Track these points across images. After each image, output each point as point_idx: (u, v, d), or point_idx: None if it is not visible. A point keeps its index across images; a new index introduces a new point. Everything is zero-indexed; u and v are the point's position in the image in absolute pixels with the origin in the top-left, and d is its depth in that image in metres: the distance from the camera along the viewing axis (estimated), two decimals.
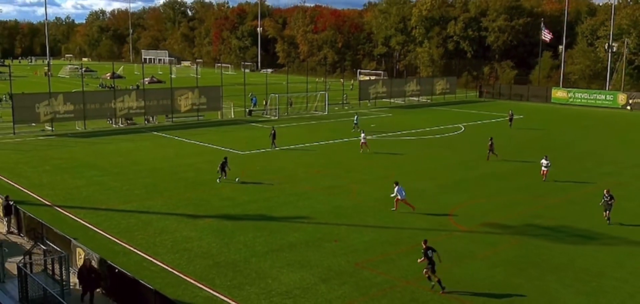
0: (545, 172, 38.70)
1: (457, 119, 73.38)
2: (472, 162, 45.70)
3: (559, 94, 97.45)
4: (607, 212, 29.88)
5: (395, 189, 31.48)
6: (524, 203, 33.75)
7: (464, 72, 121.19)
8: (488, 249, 26.35)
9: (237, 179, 37.29)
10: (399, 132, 60.69)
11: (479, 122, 71.50)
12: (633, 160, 47.42)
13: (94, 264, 20.39)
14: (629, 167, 44.41)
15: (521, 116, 76.65)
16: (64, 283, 20.64)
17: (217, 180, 36.97)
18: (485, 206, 33.26)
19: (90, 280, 19.22)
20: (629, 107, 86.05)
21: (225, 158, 37.93)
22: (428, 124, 67.30)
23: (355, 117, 62.63)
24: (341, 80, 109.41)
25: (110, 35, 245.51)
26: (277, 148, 49.18)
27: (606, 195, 29.93)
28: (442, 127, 65.59)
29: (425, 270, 21.72)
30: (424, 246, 21.80)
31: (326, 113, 76.02)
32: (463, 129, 64.72)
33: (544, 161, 38.91)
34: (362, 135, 49.28)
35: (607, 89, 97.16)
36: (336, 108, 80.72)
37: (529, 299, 21.19)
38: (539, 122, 72.12)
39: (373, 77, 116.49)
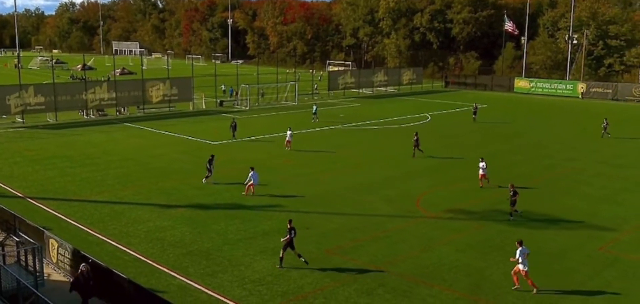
0: (483, 175, 34.75)
1: (423, 108, 73.98)
2: (438, 150, 46.16)
3: (521, 83, 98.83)
4: (512, 207, 28.89)
5: (250, 174, 32.02)
6: (487, 189, 34.23)
7: (430, 63, 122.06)
8: (453, 234, 26.71)
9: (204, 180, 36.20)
10: (368, 122, 60.99)
11: (445, 111, 72.19)
12: (590, 146, 48.40)
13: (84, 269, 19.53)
14: (587, 154, 45.31)
15: (485, 105, 77.61)
16: (37, 274, 20.39)
17: (203, 180, 34.76)
18: (450, 192, 33.66)
19: (89, 288, 18.50)
20: (580, 96, 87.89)
21: (212, 156, 35.70)
22: (395, 114, 67.70)
23: (314, 107, 62.66)
24: (311, 71, 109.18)
25: (81, 27, 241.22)
26: (237, 140, 48.52)
27: (510, 189, 28.93)
28: (409, 116, 66.05)
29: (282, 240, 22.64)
30: (289, 226, 22.60)
31: (296, 103, 75.99)
32: (429, 118, 65.27)
33: (481, 164, 34.85)
34: (288, 133, 45.31)
35: (567, 78, 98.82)
36: (306, 98, 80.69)
37: (494, 282, 21.54)
38: (503, 112, 73.09)
39: (342, 68, 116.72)
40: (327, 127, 56.87)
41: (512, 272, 20.94)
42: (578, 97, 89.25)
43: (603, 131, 52.60)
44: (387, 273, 22.11)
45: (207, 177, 34.62)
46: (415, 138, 42.91)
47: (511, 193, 28.81)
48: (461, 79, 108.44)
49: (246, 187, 32.36)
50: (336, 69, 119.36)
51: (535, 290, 20.57)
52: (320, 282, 21.25)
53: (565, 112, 73.34)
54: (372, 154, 44.07)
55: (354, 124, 59.63)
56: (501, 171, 39.40)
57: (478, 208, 30.36)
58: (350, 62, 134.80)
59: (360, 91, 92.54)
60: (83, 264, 18.64)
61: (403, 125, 59.67)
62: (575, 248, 25.18)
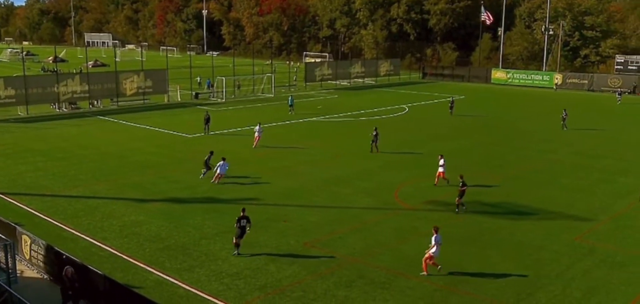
0: (441, 173, 33.38)
1: (401, 100, 74.28)
2: (416, 142, 46.42)
3: (498, 75, 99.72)
4: (458, 198, 28.72)
5: (219, 163, 32.98)
6: (465, 180, 34.47)
7: (407, 54, 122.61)
8: (431, 226, 26.77)
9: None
10: (345, 114, 61.10)
11: (423, 102, 72.58)
12: (566, 138, 49.01)
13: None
14: (563, 146, 45.88)
15: (463, 97, 78.20)
16: (10, 271, 20.14)
17: (201, 176, 34.19)
18: (428, 184, 33.85)
19: (76, 290, 18.08)
20: (554, 88, 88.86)
21: (211, 152, 34.80)
22: (373, 105, 67.91)
23: (290, 98, 62.56)
24: (288, 62, 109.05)
25: (52, 18, 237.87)
26: (211, 133, 47.85)
27: (460, 181, 28.86)
28: (387, 108, 66.28)
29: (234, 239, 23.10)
30: (241, 214, 23.06)
31: (273, 95, 75.82)
32: (407, 110, 65.58)
33: (441, 161, 33.51)
34: (257, 128, 43.09)
35: (543, 69, 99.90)
36: (283, 90, 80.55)
37: (472, 273, 21.74)
38: (480, 103, 73.68)
39: (319, 60, 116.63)
40: (304, 119, 56.84)
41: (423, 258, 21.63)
42: (552, 88, 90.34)
43: (562, 123, 52.64)
44: (365, 265, 22.22)
45: (204, 173, 34.15)
46: (374, 134, 41.75)
47: (460, 184, 28.88)
48: (438, 71, 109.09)
49: (214, 176, 33.09)
50: (313, 60, 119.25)
51: (425, 272, 21.35)
52: (298, 275, 21.29)
53: (542, 103, 74.13)
54: (349, 146, 44.17)
55: (331, 116, 59.69)
56: (480, 163, 39.83)
57: (456, 200, 30.59)
58: (327, 54, 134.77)
59: (338, 82, 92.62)
60: (67, 266, 18.30)
61: (383, 116, 59.88)
62: (553, 238, 25.51)
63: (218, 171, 33.01)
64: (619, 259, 23.32)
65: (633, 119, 59.69)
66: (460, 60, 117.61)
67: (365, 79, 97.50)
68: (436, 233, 21.64)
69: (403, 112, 63.42)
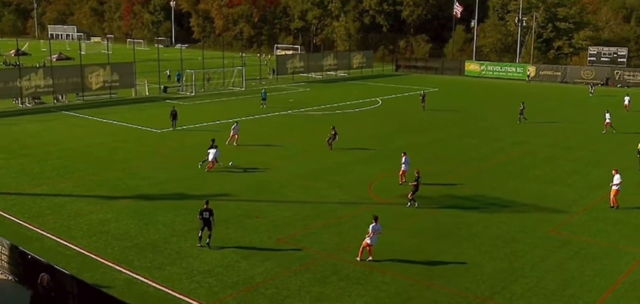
0: (404, 172, 32.73)
1: (374, 93, 74.57)
2: (390, 135, 46.68)
3: (472, 67, 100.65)
4: (411, 193, 28.87)
5: (212, 150, 34.48)
6: (439, 174, 34.82)
7: (380, 46, 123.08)
8: (406, 220, 27.12)
9: (230, 163, 36.02)
10: (318, 107, 61.15)
11: (396, 95, 72.94)
12: (540, 130, 49.70)
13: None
14: (536, 137, 46.52)
15: (436, 89, 78.80)
16: None
17: (199, 164, 35.11)
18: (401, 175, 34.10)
19: (51, 301, 17.38)
20: (527, 80, 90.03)
21: (213, 140, 35.90)
22: (346, 99, 68.08)
23: (263, 92, 62.32)
24: (259, 55, 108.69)
25: (13, 10, 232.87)
26: (177, 129, 47.37)
27: (416, 175, 29.04)
28: (360, 101, 66.50)
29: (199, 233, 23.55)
30: (204, 207, 23.44)
31: (244, 89, 75.53)
32: (380, 103, 65.87)
33: (403, 159, 32.87)
34: (234, 127, 42.17)
35: (517, 61, 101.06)
36: (253, 84, 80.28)
37: (447, 266, 22.01)
38: (454, 96, 74.33)
39: (290, 52, 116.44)
40: (276, 113, 56.75)
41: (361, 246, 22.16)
42: (525, 80, 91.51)
43: (519, 116, 53.11)
44: (340, 261, 22.31)
45: (204, 161, 34.98)
46: (332, 132, 41.02)
47: (416, 177, 28.99)
48: (412, 63, 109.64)
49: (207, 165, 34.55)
50: (284, 52, 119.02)
51: (359, 258, 22.17)
52: (272, 271, 21.30)
53: (516, 95, 74.97)
54: (322, 140, 44.18)
55: (303, 109, 59.70)
56: (454, 155, 40.19)
57: (430, 193, 30.81)
58: (298, 46, 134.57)
59: (310, 75, 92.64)
60: (43, 274, 17.81)
61: (357, 110, 60.06)
62: (527, 230, 25.89)
63: (210, 158, 34.06)
64: (593, 251, 23.75)
65: (605, 111, 60.66)
66: (433, 53, 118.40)
67: (338, 71, 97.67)
68: (375, 221, 22.08)
69: (376, 105, 63.67)
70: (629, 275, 21.53)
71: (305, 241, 24.35)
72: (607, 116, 48.88)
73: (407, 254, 23.06)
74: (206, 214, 23.26)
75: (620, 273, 21.65)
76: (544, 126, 51.32)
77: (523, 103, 54.50)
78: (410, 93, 74.84)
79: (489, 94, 75.76)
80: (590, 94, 73.92)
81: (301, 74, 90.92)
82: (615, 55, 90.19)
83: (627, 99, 61.73)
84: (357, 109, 60.35)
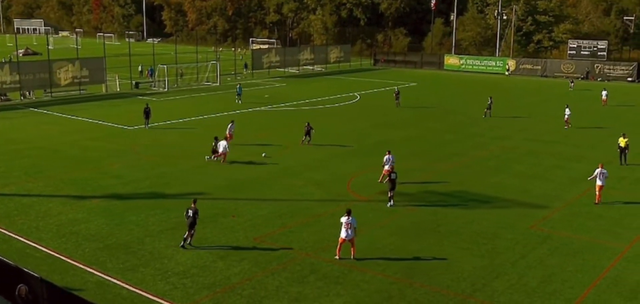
0: (386, 170, 31.42)
1: (352, 87, 74.70)
2: (367, 130, 46.81)
3: (451, 61, 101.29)
4: (390, 192, 28.62)
5: (222, 142, 35.77)
6: (419, 169, 35.00)
7: (357, 40, 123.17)
8: (385, 217, 27.19)
9: (263, 154, 37.48)
10: (295, 103, 61.10)
11: (375, 90, 73.15)
12: (520, 125, 50.18)
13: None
14: (516, 132, 46.97)
15: (415, 84, 79.16)
16: None
17: (207, 157, 36.11)
18: (381, 174, 34.17)
19: None
20: (506, 73, 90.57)
21: (216, 138, 36.76)
22: (323, 94, 68.09)
23: (238, 87, 62.03)
24: (234, 49, 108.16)
25: None
26: (149, 126, 46.55)
27: (390, 171, 29.36)
28: (338, 96, 66.57)
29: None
30: (192, 205, 23.50)
31: (219, 84, 75.18)
32: (358, 98, 66.00)
33: (386, 157, 31.84)
34: (230, 126, 40.88)
35: (497, 55, 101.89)
36: (229, 79, 79.95)
37: (428, 264, 22.10)
38: (432, 90, 74.70)
39: (266, 46, 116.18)
40: (251, 109, 56.58)
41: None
42: (504, 74, 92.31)
43: (486, 110, 53.26)
44: (318, 260, 22.30)
45: (210, 157, 35.95)
46: (307, 128, 41.01)
47: (391, 175, 29.02)
48: (390, 57, 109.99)
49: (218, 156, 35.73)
50: (260, 47, 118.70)
51: (337, 256, 22.27)
52: (249, 272, 21.23)
53: (496, 89, 75.53)
54: (299, 136, 44.15)
55: (280, 105, 59.62)
56: (432, 150, 40.42)
57: (410, 190, 30.95)
58: (274, 40, 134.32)
59: (286, 70, 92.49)
60: (20, 285, 17.34)
61: (335, 105, 60.10)
62: (508, 226, 26.11)
63: (220, 150, 35.23)
64: (575, 246, 24.01)
65: (585, 105, 61.44)
66: (412, 46, 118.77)
67: (315, 66, 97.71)
68: (348, 215, 22.20)
69: (354, 101, 63.79)
70: (611, 271, 21.81)
71: (282, 240, 24.30)
72: (567, 111, 48.82)
73: (387, 253, 23.13)
74: (191, 213, 23.17)
75: (602, 269, 21.92)
76: (524, 121, 51.84)
77: (490, 98, 54.41)
78: (389, 88, 75.03)
79: (468, 89, 76.22)
80: (570, 88, 74.77)
81: (277, 69, 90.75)
82: (595, 48, 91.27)
83: (604, 93, 62.62)
84: (335, 105, 60.40)
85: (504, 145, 42.36)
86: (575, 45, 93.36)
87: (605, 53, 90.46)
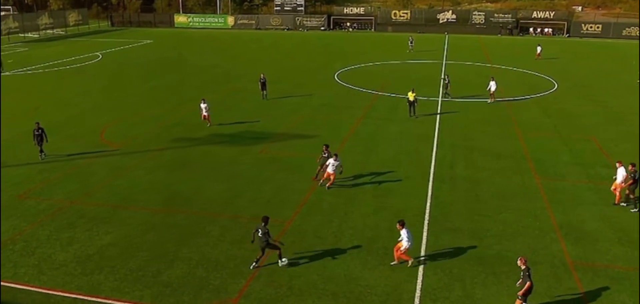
0: (206, 116, 31.74)
1: (93, 48, 69.63)
2: (113, 86, 44.40)
3: (180, 19, 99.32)
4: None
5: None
6: (160, 116, 34.39)
7: (93, 4, 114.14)
8: (140, 158, 26.35)
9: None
10: (39, 66, 55.25)
11: (115, 49, 69.04)
12: (242, 70, 51.57)
13: None
14: (244, 76, 48.23)
15: (150, 41, 76.42)
16: None
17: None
18: (132, 122, 32.97)
19: None
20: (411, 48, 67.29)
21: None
22: (66, 55, 62.50)
23: None
24: None
25: None
26: None
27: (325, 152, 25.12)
28: (80, 56, 61.64)
29: None
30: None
31: None
32: (100, 57, 61.86)
33: (203, 105, 31.82)
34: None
35: (218, 13, 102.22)
36: None
37: (183, 194, 21.96)
38: (166, 46, 72.88)
39: (2, 13, 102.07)
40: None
41: None
42: (229, 28, 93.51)
43: (445, 91, 39.81)
44: (85, 205, 21.05)
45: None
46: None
47: (326, 154, 23.43)
48: (126, 18, 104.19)
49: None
50: None
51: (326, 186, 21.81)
52: (18, 227, 19.25)
53: (220, 42, 76.26)
54: (49, 96, 40.37)
55: (24, 69, 53.44)
56: (172, 97, 39.76)
57: (160, 133, 30.36)
58: (10, 6, 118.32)
59: (26, 35, 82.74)
60: None
61: (79, 64, 55.54)
62: (244, 153, 27.01)
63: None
64: (294, 163, 25.81)
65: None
66: (144, 8, 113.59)
67: (55, 29, 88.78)
68: (335, 158, 22.57)
69: (96, 60, 59.67)
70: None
71: (47, 192, 22.34)
72: (492, 84, 38.10)
73: (146, 189, 22.62)
74: (39, 132, 25.71)
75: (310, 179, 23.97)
76: (245, 66, 53.28)
77: (447, 76, 41.73)
78: (130, 46, 71.45)
79: (196, 42, 75.77)
80: (410, 49, 65.53)
81: (17, 34, 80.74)
82: (295, 4, 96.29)
83: (539, 48, 60.39)
84: (79, 64, 55.90)
85: (233, 87, 43.29)
86: (280, 2, 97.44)
87: (303, 8, 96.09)
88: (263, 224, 16.33)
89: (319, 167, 23.40)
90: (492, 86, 38.09)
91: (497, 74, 49.70)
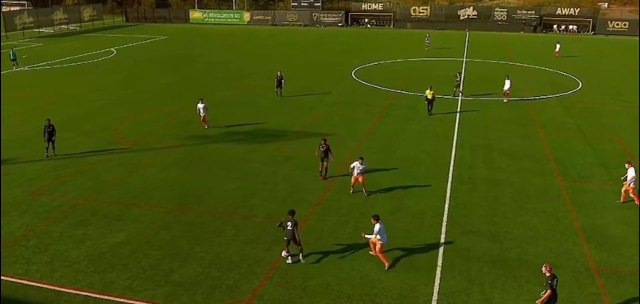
0: (203, 117, 30.85)
1: (108, 44, 70.25)
2: (128, 82, 44.76)
3: (196, 14, 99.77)
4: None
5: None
6: (179, 112, 34.56)
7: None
8: (155, 156, 26.57)
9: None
10: (54, 61, 55.89)
11: (130, 44, 69.60)
12: (258, 66, 51.68)
13: None
14: (259, 73, 48.34)
15: (165, 37, 76.90)
16: None
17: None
18: (145, 119, 33.21)
19: None
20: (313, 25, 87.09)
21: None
22: (81, 51, 63.14)
23: (12, 52, 53.99)
24: None
25: None
26: None
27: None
28: (95, 52, 62.24)
29: None
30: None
31: None
32: (115, 52, 62.40)
33: (200, 105, 30.81)
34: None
35: (234, 8, 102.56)
36: None
37: (196, 192, 22.10)
38: (181, 41, 73.27)
39: (17, 8, 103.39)
40: (12, 70, 50.60)
41: None
42: (244, 23, 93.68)
43: (455, 89, 39.29)
44: (98, 202, 21.25)
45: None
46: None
47: (324, 147, 23.58)
48: (141, 14, 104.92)
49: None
50: (10, 9, 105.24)
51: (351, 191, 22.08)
52: (31, 223, 19.50)
53: (237, 38, 76.51)
54: (63, 92, 40.83)
55: (39, 64, 54.11)
56: (186, 93, 39.96)
57: (174, 130, 30.55)
58: (25, 1, 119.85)
59: (41, 30, 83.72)
60: None
61: (92, 61, 56.09)
62: (257, 151, 27.09)
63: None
64: (309, 162, 25.78)
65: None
66: (160, 3, 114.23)
67: (69, 25, 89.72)
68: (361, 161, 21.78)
69: (111, 55, 60.20)
70: (338, 178, 24.00)
71: (60, 189, 22.58)
72: (507, 82, 37.67)
73: (160, 187, 22.77)
74: (50, 128, 26.01)
75: (333, 177, 23.99)
76: (259, 64, 53.43)
77: (459, 73, 40.41)
78: (144, 41, 71.99)
79: (212, 39, 76.09)
80: (427, 46, 65.15)
81: (32, 29, 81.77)
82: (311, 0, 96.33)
83: (558, 46, 59.28)
84: (92, 60, 56.45)
85: (248, 83, 43.43)
86: None
87: (320, 4, 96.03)
88: (290, 216, 16.62)
89: (320, 163, 23.60)
90: (507, 84, 37.72)
91: (520, 72, 49.25)
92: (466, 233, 18.80)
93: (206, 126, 31.03)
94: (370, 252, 17.18)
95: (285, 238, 16.75)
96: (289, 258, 16.86)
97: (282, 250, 16.99)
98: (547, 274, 13.84)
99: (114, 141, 29.16)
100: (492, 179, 23.76)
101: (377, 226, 16.41)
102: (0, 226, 19.15)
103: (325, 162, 23.50)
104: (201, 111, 30.70)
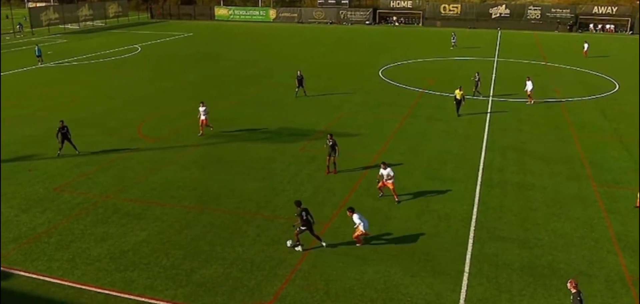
0: (204, 120, 29.73)
1: (132, 40, 71.21)
2: (152, 79, 45.30)
3: (221, 11, 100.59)
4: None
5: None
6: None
7: None
8: (176, 154, 26.84)
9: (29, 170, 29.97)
10: (78, 57, 56.85)
11: (155, 41, 70.46)
12: (285, 68, 51.83)
13: None
14: (286, 74, 48.47)
15: (191, 34, 77.62)
16: None
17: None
18: (168, 116, 33.56)
19: None
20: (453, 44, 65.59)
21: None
22: (105, 48, 64.13)
23: (37, 48, 54.72)
24: (7, 17, 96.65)
25: None
26: None
27: (330, 139, 27.96)
28: (119, 49, 63.14)
29: None
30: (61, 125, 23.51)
31: None
32: (139, 49, 63.21)
33: (201, 108, 29.70)
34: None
35: (260, 5, 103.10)
36: (7, 38, 71.69)
37: (215, 192, 22.28)
38: (205, 39, 73.86)
39: (43, 4, 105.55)
40: (34, 66, 51.62)
41: None
42: (270, 21, 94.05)
43: (474, 90, 38.86)
44: (119, 200, 21.55)
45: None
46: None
47: (331, 142, 24.12)
48: (166, 10, 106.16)
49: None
50: (36, 5, 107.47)
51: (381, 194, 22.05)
52: (53, 220, 19.87)
53: (261, 37, 76.87)
54: (87, 89, 41.49)
55: (64, 60, 55.10)
56: (210, 92, 40.29)
57: (197, 128, 30.79)
58: None
59: (66, 26, 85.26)
60: None
61: (116, 58, 56.93)
62: (281, 150, 27.16)
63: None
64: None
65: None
66: (184, 0, 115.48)
67: (95, 21, 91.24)
68: (384, 167, 22.22)
69: (135, 52, 61.00)
70: (362, 179, 23.93)
71: (82, 186, 22.96)
72: (529, 84, 37.26)
73: (181, 185, 22.99)
74: (64, 130, 26.28)
75: (357, 178, 23.94)
76: (280, 63, 53.57)
77: (477, 73, 39.92)
78: (169, 38, 72.80)
79: (236, 36, 76.59)
80: (453, 46, 64.85)
81: (58, 26, 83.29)
82: None
83: (586, 45, 58.77)
84: (116, 57, 57.26)
85: (271, 82, 43.61)
86: None
87: (347, 1, 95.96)
88: (298, 207, 17.65)
89: (327, 157, 24.12)
90: (529, 86, 37.15)
91: (552, 72, 48.53)
92: (495, 239, 18.60)
93: (201, 133, 29.63)
94: (357, 245, 17.98)
95: (302, 227, 17.53)
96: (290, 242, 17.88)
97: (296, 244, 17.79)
98: (573, 291, 13.33)
99: (136, 138, 29.52)
100: (523, 183, 23.46)
101: (355, 216, 17.53)
102: (0, 225, 19.56)
103: (332, 157, 24.00)
104: (202, 114, 29.64)
